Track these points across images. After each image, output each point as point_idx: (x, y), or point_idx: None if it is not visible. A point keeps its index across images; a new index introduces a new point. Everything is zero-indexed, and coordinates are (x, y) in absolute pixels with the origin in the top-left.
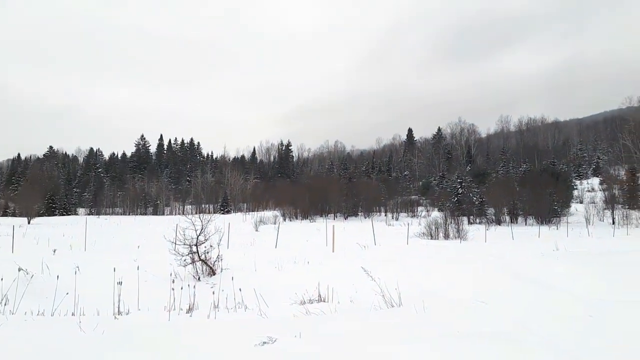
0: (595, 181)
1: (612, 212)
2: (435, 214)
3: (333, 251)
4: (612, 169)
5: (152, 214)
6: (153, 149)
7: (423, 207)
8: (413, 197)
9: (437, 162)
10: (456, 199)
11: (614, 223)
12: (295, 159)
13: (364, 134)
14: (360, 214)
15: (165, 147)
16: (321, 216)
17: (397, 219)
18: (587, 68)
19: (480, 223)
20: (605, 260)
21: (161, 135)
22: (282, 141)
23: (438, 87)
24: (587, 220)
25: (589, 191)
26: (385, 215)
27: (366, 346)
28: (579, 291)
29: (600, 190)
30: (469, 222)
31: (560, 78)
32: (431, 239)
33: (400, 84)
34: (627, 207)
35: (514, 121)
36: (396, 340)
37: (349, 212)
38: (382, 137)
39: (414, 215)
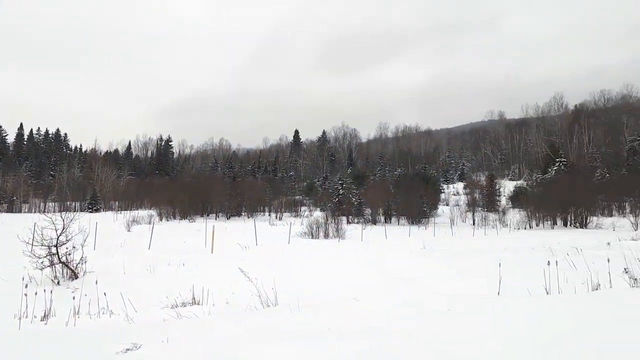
0: (460, 186)
1: (473, 214)
2: (318, 213)
3: (212, 252)
4: (474, 175)
5: (7, 212)
6: (11, 138)
7: (306, 207)
8: (297, 197)
9: (322, 163)
10: (337, 199)
11: (474, 224)
12: (175, 155)
13: (251, 133)
14: (243, 214)
15: (25, 137)
16: (202, 216)
17: (280, 219)
18: (457, 83)
19: (358, 222)
20: (463, 258)
21: (21, 124)
22: (161, 136)
23: (324, 92)
24: (452, 221)
25: (454, 195)
26: (269, 215)
27: (237, 348)
28: (440, 287)
29: (464, 194)
30: (348, 222)
31: (434, 90)
32: (312, 238)
33: (288, 85)
34: (485, 209)
35: (392, 128)
36: (269, 339)
37: (232, 212)
38: (269, 137)
39: (297, 215)
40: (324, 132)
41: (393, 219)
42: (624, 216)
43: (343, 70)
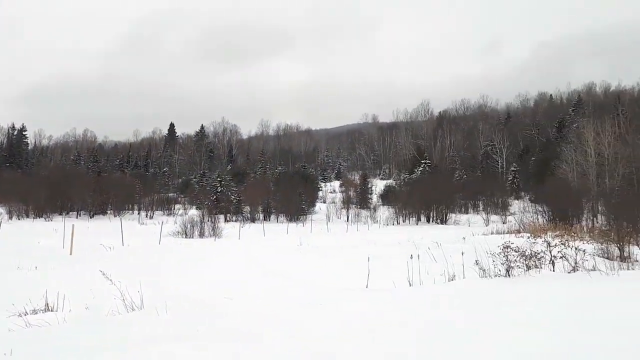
0: (336, 184)
1: (347, 211)
2: (193, 212)
3: (71, 254)
4: (350, 174)
5: None
6: None
7: (181, 205)
8: (172, 194)
9: (199, 159)
10: (215, 197)
11: (348, 220)
12: (31, 146)
13: (121, 124)
14: (109, 212)
15: None
16: (61, 214)
17: (152, 218)
18: (336, 86)
19: (236, 221)
20: (337, 253)
21: None
22: (13, 124)
23: (203, 86)
24: (328, 218)
25: (331, 192)
26: (139, 213)
27: (92, 354)
28: (315, 281)
29: (340, 192)
30: (226, 220)
31: (314, 91)
32: (186, 237)
33: (163, 75)
34: (359, 207)
35: (274, 126)
36: (130, 344)
37: (96, 210)
38: (141, 130)
39: (171, 214)
40: (202, 127)
41: (272, 217)
42: (477, 213)
43: (224, 65)
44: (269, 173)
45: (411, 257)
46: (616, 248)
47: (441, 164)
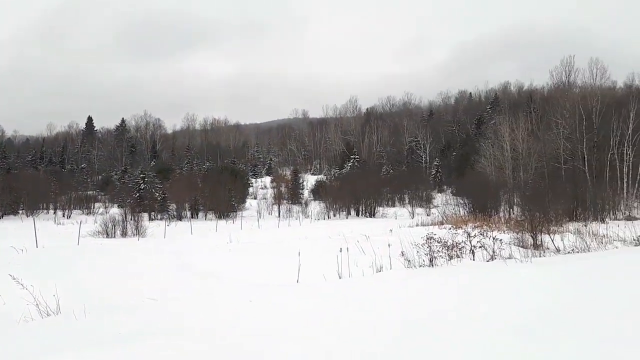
0: (267, 180)
1: (279, 207)
2: (115, 210)
3: None
4: (281, 170)
5: None
6: None
7: (101, 204)
8: (91, 192)
9: (120, 155)
10: (138, 194)
11: (279, 216)
12: None
13: (32, 118)
14: (21, 211)
15: None
16: None
17: (69, 217)
18: (265, 80)
19: (161, 219)
20: (268, 249)
21: None
22: None
23: (124, 78)
24: (259, 214)
25: (262, 188)
26: (55, 212)
27: None
28: (245, 279)
29: (271, 188)
30: (150, 219)
31: (243, 86)
32: (107, 237)
33: (80, 67)
34: (290, 202)
35: (200, 120)
36: (40, 352)
37: (6, 209)
38: (56, 124)
39: (91, 213)
40: (123, 121)
41: (200, 214)
42: (403, 206)
43: (146, 56)
44: (197, 169)
45: (340, 251)
46: (530, 237)
47: (369, 159)
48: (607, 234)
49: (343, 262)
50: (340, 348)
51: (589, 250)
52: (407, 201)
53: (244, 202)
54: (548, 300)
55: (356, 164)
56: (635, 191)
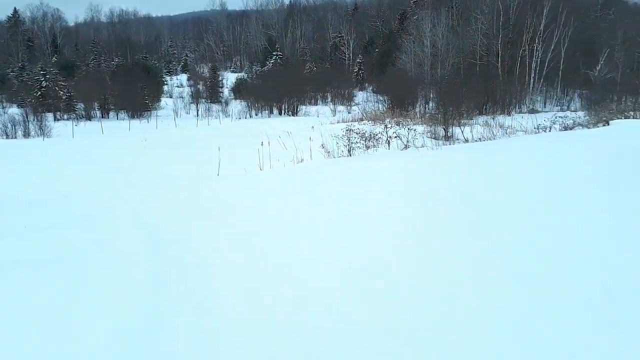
0: (183, 77)
1: (197, 106)
2: (15, 110)
3: None
4: (198, 67)
5: None
6: None
7: None
8: None
9: (16, 50)
10: (40, 93)
11: (198, 115)
12: None
13: None
14: None
15: None
16: None
17: None
18: None
19: (68, 119)
20: (187, 148)
21: None
22: None
23: None
24: (176, 113)
25: (178, 87)
26: None
27: None
28: (162, 172)
29: (188, 86)
30: (56, 119)
31: None
32: (7, 138)
33: None
34: (209, 101)
35: (106, 12)
36: None
37: None
38: None
39: None
40: (15, 11)
41: (112, 114)
42: (326, 105)
43: None
44: (105, 65)
45: (262, 145)
46: (442, 129)
47: (293, 56)
48: (512, 125)
49: (264, 156)
50: (260, 231)
51: (494, 139)
52: (329, 99)
53: (159, 101)
54: (454, 176)
55: (279, 60)
56: (539, 86)
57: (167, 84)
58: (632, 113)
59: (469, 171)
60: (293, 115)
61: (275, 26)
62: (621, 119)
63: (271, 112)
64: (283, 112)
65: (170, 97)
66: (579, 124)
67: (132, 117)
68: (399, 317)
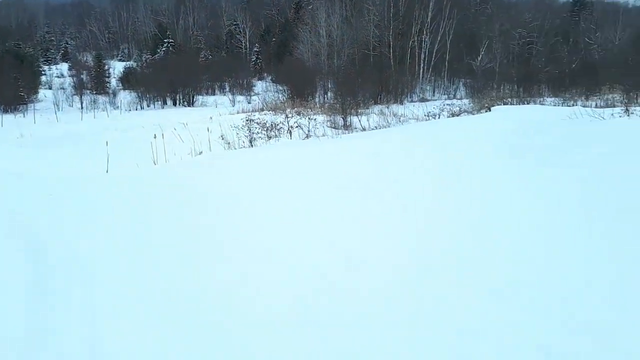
0: (64, 67)
1: (81, 98)
2: None
3: None
4: (80, 55)
5: None
6: None
7: None
8: None
9: None
10: None
11: (82, 107)
12: None
13: None
14: None
15: None
16: None
17: None
18: None
19: None
20: (68, 142)
21: None
22: None
23: None
24: (57, 106)
25: (58, 77)
26: None
27: None
28: (40, 173)
29: (69, 76)
30: None
31: None
32: None
33: None
34: (95, 92)
35: None
36: None
37: None
38: None
39: None
40: None
41: None
42: (224, 94)
43: None
44: None
45: (155, 137)
46: (341, 119)
47: (186, 44)
48: (404, 113)
49: (158, 149)
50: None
51: (389, 127)
52: (227, 89)
53: (37, 93)
54: (355, 162)
55: (171, 48)
56: (428, 75)
57: (45, 74)
58: (509, 100)
59: (370, 157)
60: (189, 105)
61: (166, 12)
62: (500, 105)
63: (165, 103)
64: (178, 102)
65: (50, 88)
66: (465, 111)
67: (5, 111)
68: None
